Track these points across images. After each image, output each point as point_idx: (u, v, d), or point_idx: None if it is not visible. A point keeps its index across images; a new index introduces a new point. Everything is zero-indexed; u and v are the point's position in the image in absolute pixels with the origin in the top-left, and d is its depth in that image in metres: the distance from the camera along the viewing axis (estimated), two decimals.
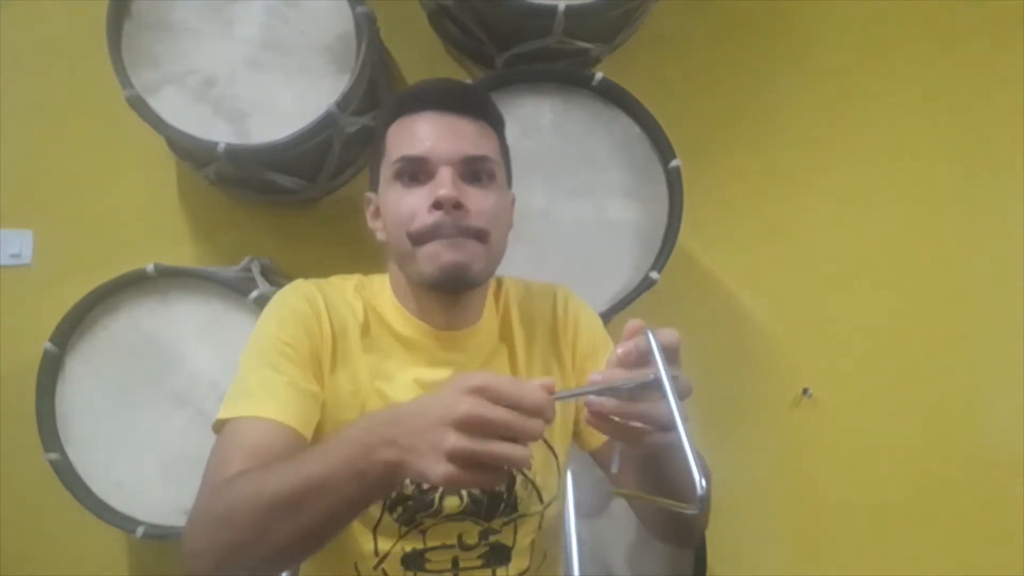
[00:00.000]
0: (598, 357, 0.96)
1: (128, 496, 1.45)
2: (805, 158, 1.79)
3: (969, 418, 1.74)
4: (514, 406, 0.61)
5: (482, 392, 0.60)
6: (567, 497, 1.15)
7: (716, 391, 1.75)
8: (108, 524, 1.44)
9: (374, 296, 0.98)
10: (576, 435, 1.00)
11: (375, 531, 0.89)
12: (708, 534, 1.51)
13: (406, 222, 0.88)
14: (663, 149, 1.47)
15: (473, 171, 0.90)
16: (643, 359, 0.70)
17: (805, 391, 1.74)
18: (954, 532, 1.71)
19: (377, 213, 0.96)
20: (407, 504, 0.88)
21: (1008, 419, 1.74)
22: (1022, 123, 1.77)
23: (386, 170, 0.92)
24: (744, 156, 1.79)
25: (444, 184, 0.86)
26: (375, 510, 0.89)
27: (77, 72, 1.73)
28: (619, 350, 0.70)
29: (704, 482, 0.63)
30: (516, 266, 1.45)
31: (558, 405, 0.77)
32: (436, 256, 0.86)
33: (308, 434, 0.83)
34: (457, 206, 0.86)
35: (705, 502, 0.66)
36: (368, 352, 0.92)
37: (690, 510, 0.66)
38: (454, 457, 0.60)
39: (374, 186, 0.97)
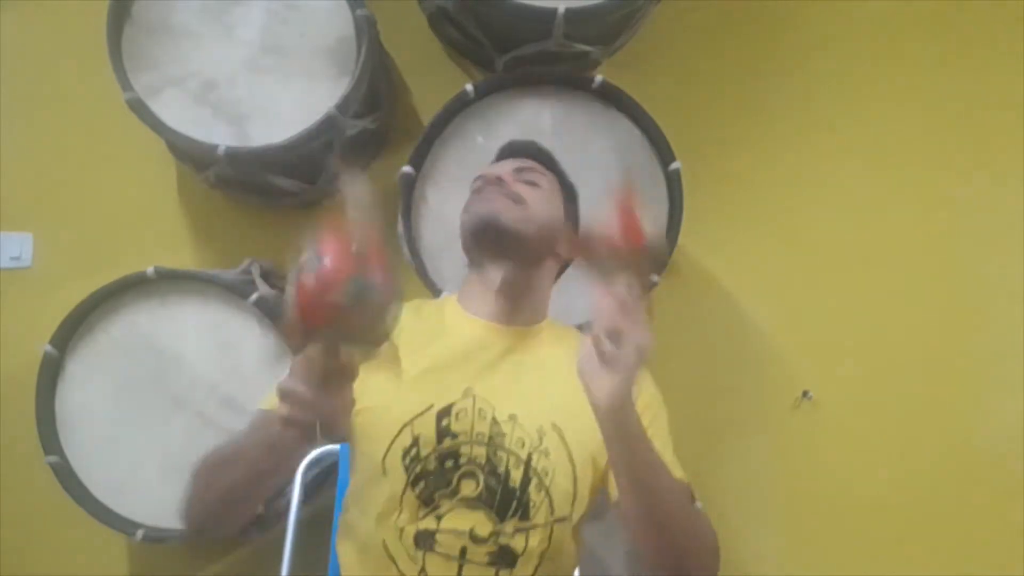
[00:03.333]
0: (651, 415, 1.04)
1: (128, 499, 1.45)
2: (805, 161, 1.79)
3: (969, 420, 1.74)
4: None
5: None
6: None
7: (716, 393, 1.75)
8: (108, 527, 1.44)
9: (440, 301, 1.15)
10: (606, 483, 1.01)
11: (400, 506, 0.95)
12: None
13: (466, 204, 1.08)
14: (663, 151, 1.47)
15: (524, 177, 1.09)
16: None
17: (805, 393, 1.74)
18: (954, 533, 1.71)
19: None
20: (428, 479, 0.94)
21: (1008, 421, 1.74)
22: (1022, 125, 1.78)
23: None
24: (744, 159, 1.79)
25: (504, 170, 1.08)
26: (400, 485, 0.95)
27: (77, 75, 1.73)
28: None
29: None
30: None
31: (592, 439, 0.92)
32: (479, 203, 1.05)
33: None
34: (501, 180, 1.06)
35: None
36: (406, 332, 1.02)
37: None
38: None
39: None
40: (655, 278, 1.43)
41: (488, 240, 1.04)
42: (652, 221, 0.85)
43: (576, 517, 0.99)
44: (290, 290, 0.73)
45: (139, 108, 1.41)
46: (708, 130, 1.76)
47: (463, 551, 0.93)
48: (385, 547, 0.95)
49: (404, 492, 0.94)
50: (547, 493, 0.95)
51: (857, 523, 1.72)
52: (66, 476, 1.45)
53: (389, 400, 0.96)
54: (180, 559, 1.67)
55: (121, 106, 1.41)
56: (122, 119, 1.43)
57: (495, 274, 1.04)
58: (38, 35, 1.77)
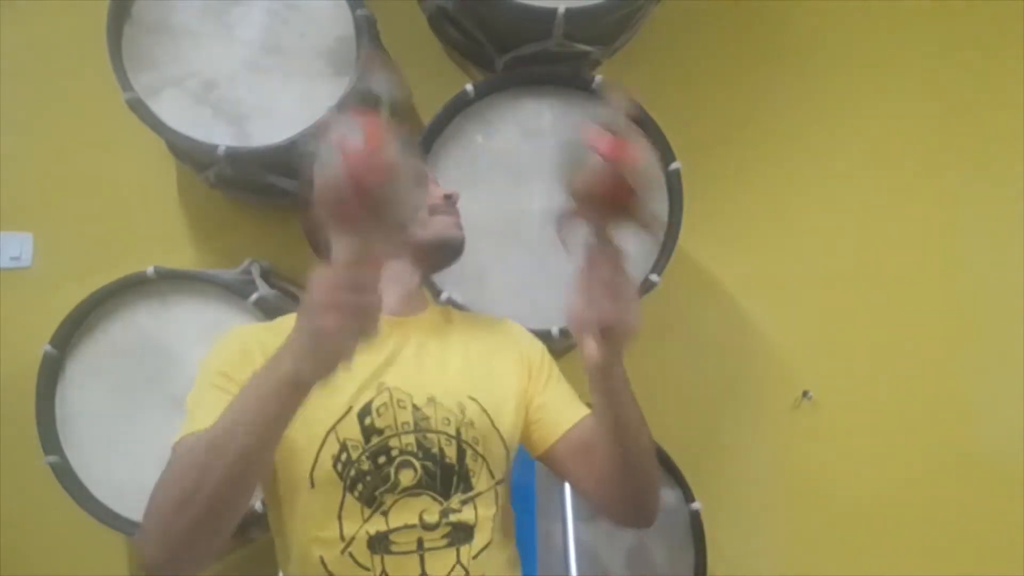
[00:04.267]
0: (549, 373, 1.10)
1: (127, 499, 1.45)
2: (805, 161, 1.79)
3: (969, 420, 1.74)
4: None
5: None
6: (565, 500, 1.17)
7: (716, 393, 1.75)
8: (107, 527, 1.44)
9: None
10: (525, 438, 1.06)
11: (339, 516, 0.93)
12: (708, 535, 1.51)
13: (429, 203, 1.08)
14: (663, 151, 1.47)
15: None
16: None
17: (805, 393, 1.74)
18: (954, 533, 1.71)
19: None
20: (365, 480, 0.93)
21: (1007, 421, 1.74)
22: (1022, 126, 1.78)
23: None
24: (744, 159, 1.79)
25: (449, 189, 1.11)
26: (336, 494, 0.93)
27: (77, 75, 1.73)
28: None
29: None
30: (516, 268, 1.45)
31: (509, 394, 1.03)
32: (450, 225, 1.09)
33: None
34: (454, 202, 1.11)
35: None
36: None
37: None
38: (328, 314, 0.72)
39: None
40: (655, 278, 1.43)
41: (448, 257, 1.11)
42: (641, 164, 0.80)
43: (508, 477, 1.04)
44: (328, 165, 0.69)
45: (139, 108, 1.41)
46: (708, 130, 1.76)
47: (420, 542, 0.93)
48: (323, 563, 0.93)
49: (343, 499, 0.93)
50: (483, 459, 0.98)
51: (857, 523, 1.72)
52: (66, 476, 1.45)
53: (303, 413, 0.88)
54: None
55: (121, 106, 1.41)
56: (122, 119, 1.43)
57: (416, 277, 1.10)
58: (38, 35, 1.77)
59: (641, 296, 1.42)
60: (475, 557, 0.95)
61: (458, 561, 0.94)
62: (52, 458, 1.44)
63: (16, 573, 1.69)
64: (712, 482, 1.64)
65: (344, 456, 0.94)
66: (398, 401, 0.97)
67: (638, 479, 0.95)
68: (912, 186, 1.79)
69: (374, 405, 0.96)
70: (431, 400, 0.98)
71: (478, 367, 1.04)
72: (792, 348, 1.76)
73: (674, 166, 1.46)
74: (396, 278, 1.06)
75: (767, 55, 1.81)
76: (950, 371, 1.75)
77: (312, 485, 0.93)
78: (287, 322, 1.03)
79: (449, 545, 0.94)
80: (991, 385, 1.75)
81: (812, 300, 1.77)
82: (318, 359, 0.75)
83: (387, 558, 0.92)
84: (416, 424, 0.96)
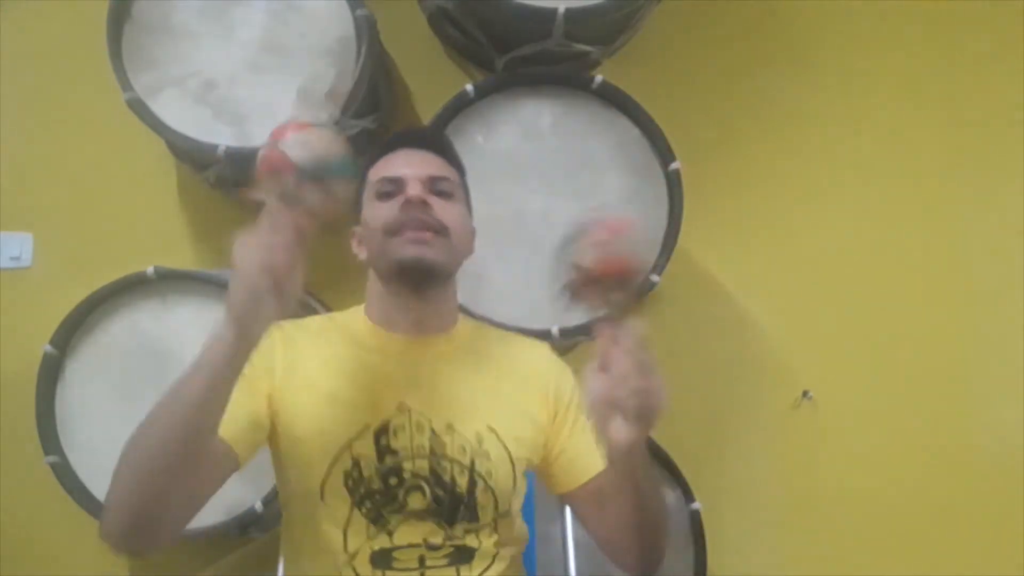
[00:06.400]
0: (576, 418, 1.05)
1: None
2: (805, 161, 1.79)
3: (969, 420, 1.74)
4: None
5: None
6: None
7: (716, 393, 1.75)
8: None
9: (345, 317, 1.09)
10: (548, 476, 1.06)
11: (345, 530, 0.94)
12: (709, 535, 1.51)
13: (383, 223, 1.00)
14: (663, 151, 1.47)
15: (438, 188, 1.03)
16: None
17: (805, 393, 1.74)
18: (954, 533, 1.71)
19: (360, 241, 1.07)
20: (374, 499, 0.94)
21: (1007, 421, 1.74)
22: (1023, 126, 1.78)
23: (368, 194, 1.05)
24: (744, 159, 1.79)
25: (414, 188, 1.01)
26: (344, 508, 0.93)
27: (77, 75, 1.73)
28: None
29: None
30: (516, 268, 1.45)
31: (531, 428, 1.01)
32: (404, 245, 0.98)
33: (238, 448, 0.90)
34: (423, 203, 0.99)
35: None
36: (322, 353, 1.02)
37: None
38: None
39: (356, 218, 1.08)
40: (655, 278, 1.43)
41: (416, 280, 1.00)
42: (637, 243, 0.86)
43: (516, 508, 1.03)
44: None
45: (139, 108, 1.41)
46: (708, 130, 1.76)
47: (421, 559, 0.95)
48: (328, 571, 0.95)
49: (350, 514, 0.94)
50: (492, 493, 0.97)
51: (857, 523, 1.72)
52: (66, 476, 1.45)
53: (321, 425, 0.95)
54: (180, 559, 1.67)
55: (121, 106, 1.41)
56: (122, 119, 1.43)
57: (415, 303, 1.02)
58: (38, 35, 1.77)
59: (640, 296, 1.43)
60: None
61: None
62: (52, 458, 1.44)
63: (16, 573, 1.69)
64: (712, 482, 1.64)
65: (356, 473, 0.94)
66: (416, 424, 0.97)
67: (648, 536, 0.95)
68: (913, 186, 1.79)
69: (392, 425, 0.96)
70: (449, 427, 0.97)
71: (503, 396, 1.02)
72: (792, 348, 1.76)
73: (674, 166, 1.46)
74: (395, 306, 1.03)
75: (767, 55, 1.81)
76: (950, 371, 1.75)
77: (322, 498, 0.94)
78: (315, 320, 1.09)
79: (449, 564, 0.95)
80: (991, 385, 1.75)
81: (812, 300, 1.77)
82: (236, 313, 0.80)
83: (388, 574, 0.94)
84: (432, 449, 0.96)
